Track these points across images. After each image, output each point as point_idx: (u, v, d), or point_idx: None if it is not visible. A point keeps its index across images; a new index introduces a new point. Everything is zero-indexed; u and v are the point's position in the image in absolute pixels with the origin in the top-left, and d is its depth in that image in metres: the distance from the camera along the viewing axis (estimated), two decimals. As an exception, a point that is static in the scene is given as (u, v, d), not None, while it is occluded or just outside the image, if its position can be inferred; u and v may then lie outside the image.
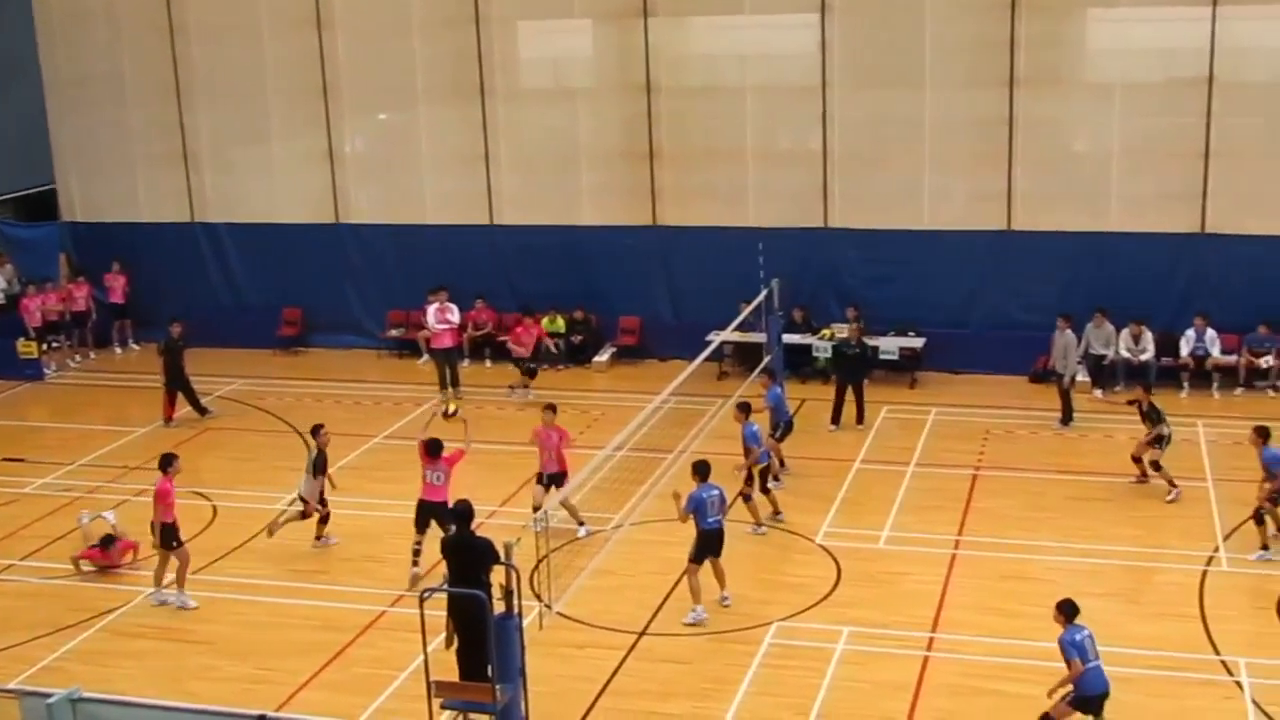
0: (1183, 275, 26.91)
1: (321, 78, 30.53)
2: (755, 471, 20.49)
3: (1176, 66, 26.80)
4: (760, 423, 20.97)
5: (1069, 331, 24.78)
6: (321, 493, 20.20)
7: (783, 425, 22.14)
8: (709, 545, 17.80)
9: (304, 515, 20.16)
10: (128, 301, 31.79)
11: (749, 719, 15.28)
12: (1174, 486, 21.01)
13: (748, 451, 20.23)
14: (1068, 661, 13.99)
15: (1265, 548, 18.82)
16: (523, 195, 30.21)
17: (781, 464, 22.11)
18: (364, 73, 30.56)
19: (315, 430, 20.38)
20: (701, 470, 17.92)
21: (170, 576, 18.57)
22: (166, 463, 18.60)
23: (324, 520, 20.33)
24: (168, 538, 18.36)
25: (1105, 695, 14.10)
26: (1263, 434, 19.29)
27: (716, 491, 17.86)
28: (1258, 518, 18.98)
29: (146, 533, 18.89)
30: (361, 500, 21.50)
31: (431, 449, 18.88)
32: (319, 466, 20.03)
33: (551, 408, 20.72)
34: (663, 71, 28.88)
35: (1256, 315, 26.25)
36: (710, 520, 17.72)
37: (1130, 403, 22.05)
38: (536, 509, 19.20)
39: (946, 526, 20.30)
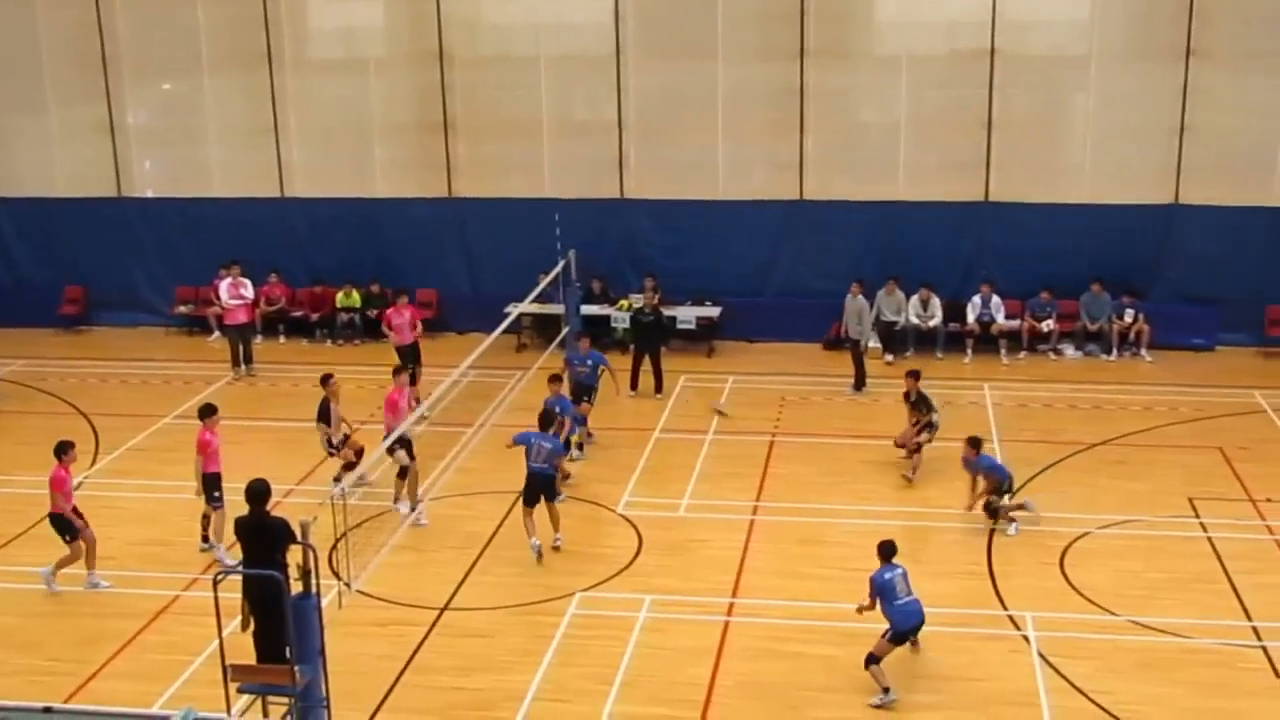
0: (968, 243, 27.70)
1: (100, 46, 29.52)
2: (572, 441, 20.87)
3: (960, 39, 27.51)
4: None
5: (861, 297, 25.28)
6: (329, 439, 20.30)
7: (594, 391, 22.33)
8: (531, 487, 18.34)
9: (348, 466, 20.03)
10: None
11: (552, 690, 15.28)
12: (914, 472, 20.90)
13: (561, 424, 20.14)
14: (870, 596, 15.26)
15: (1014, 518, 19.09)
16: (314, 167, 29.71)
17: (588, 434, 22.21)
18: (145, 41, 29.65)
19: (324, 380, 20.64)
20: (545, 421, 18.80)
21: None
22: (62, 450, 17.86)
23: (349, 467, 20.09)
24: (61, 530, 17.63)
25: (918, 627, 15.33)
26: (974, 444, 19.29)
27: (549, 445, 18.37)
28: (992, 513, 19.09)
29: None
30: (150, 482, 20.90)
31: (198, 413, 18.87)
32: (320, 415, 20.25)
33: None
34: (456, 41, 28.62)
35: (1038, 281, 27.13)
36: (534, 464, 18.30)
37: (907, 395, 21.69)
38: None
39: (745, 493, 20.57)
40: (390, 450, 19.06)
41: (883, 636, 15.06)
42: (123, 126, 30.17)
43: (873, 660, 14.93)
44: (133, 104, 30.25)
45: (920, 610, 15.27)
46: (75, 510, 17.72)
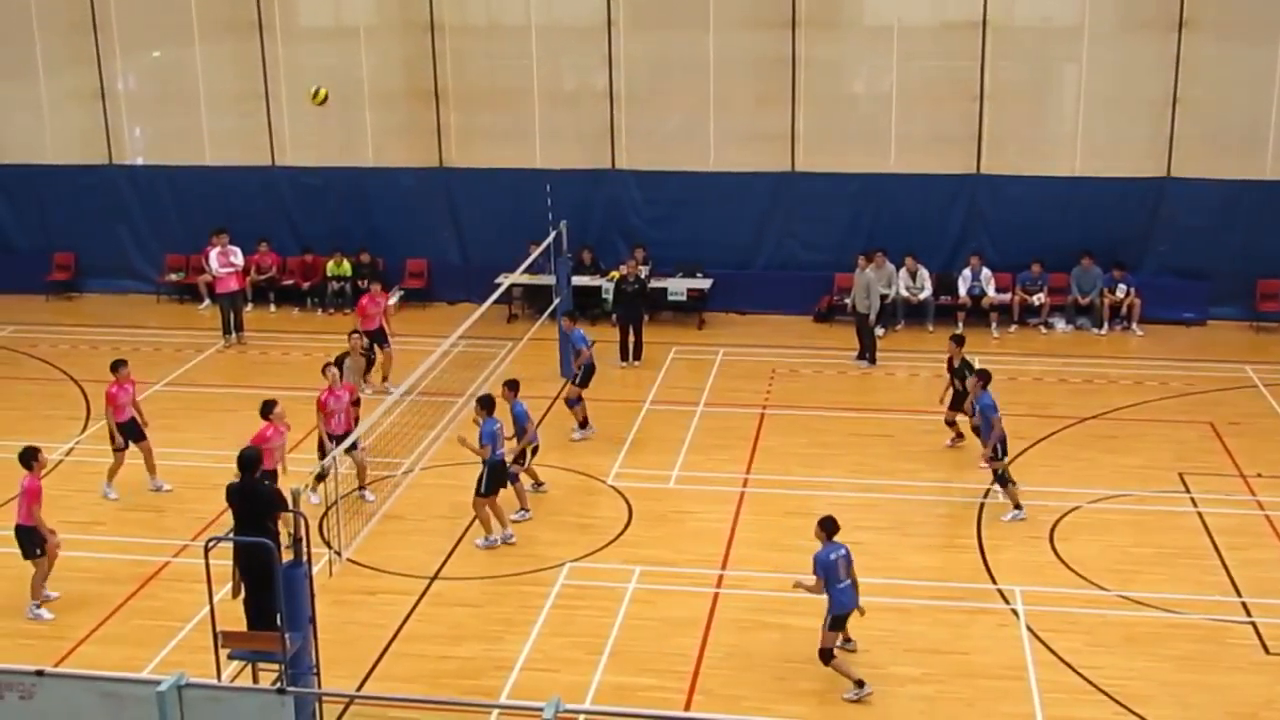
0: (959, 215, 27.67)
1: (91, 12, 29.36)
2: (527, 450, 19.30)
3: (950, 10, 27.49)
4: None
5: (869, 270, 25.24)
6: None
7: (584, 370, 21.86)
8: (501, 477, 17.99)
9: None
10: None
11: (541, 660, 15.33)
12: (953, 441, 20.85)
13: (521, 431, 19.02)
14: (815, 575, 14.50)
15: (1018, 507, 18.56)
16: (304, 135, 29.58)
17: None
18: (135, 7, 29.49)
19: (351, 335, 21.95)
20: (487, 405, 18.03)
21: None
22: (116, 367, 19.74)
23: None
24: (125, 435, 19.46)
25: (850, 614, 14.71)
26: (984, 378, 18.89)
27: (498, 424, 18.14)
28: (1001, 480, 18.72)
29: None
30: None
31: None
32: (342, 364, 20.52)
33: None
34: (445, 9, 28.47)
35: (1029, 254, 27.10)
36: (500, 453, 17.97)
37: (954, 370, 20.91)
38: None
39: (734, 465, 20.59)
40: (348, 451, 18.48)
41: (824, 626, 14.55)
42: (113, 93, 30.03)
43: (827, 656, 14.50)
44: (123, 71, 30.12)
45: (856, 597, 14.62)
46: (133, 423, 19.63)
